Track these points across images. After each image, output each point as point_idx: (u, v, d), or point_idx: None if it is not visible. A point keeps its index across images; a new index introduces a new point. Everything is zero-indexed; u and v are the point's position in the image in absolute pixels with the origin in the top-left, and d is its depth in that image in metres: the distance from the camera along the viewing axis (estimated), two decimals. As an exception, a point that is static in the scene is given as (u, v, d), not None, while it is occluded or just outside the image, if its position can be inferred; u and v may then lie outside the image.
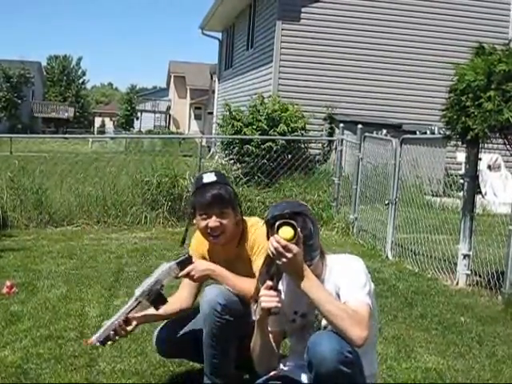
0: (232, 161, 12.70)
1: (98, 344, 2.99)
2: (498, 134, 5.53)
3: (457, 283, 6.07)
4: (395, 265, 6.90)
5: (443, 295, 5.67)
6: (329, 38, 14.33)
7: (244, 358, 3.08)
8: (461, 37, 13.74)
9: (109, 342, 3.00)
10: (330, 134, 13.58)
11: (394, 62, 14.46)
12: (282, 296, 2.60)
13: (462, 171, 6.69)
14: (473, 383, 3.72)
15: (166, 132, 47.34)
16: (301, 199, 8.84)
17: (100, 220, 9.03)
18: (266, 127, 12.75)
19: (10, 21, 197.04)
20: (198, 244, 3.36)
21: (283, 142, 12.10)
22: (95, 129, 66.82)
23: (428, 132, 11.07)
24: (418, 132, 11.43)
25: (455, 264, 6.21)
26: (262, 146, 12.03)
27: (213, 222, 3.12)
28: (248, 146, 12.16)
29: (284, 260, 2.41)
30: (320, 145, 13.96)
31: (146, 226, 8.95)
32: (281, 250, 2.39)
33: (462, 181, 6.21)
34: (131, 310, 2.99)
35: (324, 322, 2.62)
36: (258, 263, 3.08)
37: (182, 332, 3.30)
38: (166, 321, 3.32)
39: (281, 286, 2.59)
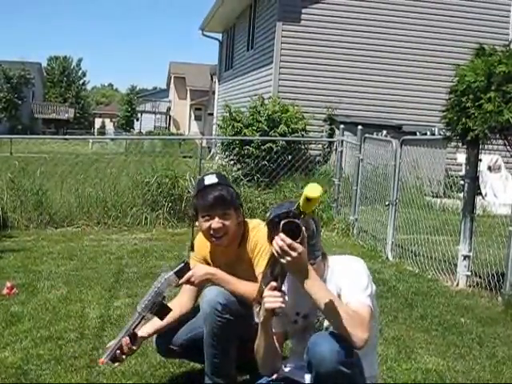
0: (232, 162, 12.70)
1: (109, 363, 3.00)
2: (498, 135, 5.53)
3: (457, 284, 6.06)
4: (395, 266, 6.90)
5: (443, 296, 5.67)
6: (329, 39, 14.33)
7: (245, 359, 3.09)
8: (461, 38, 13.75)
9: (116, 363, 3.01)
10: (330, 135, 13.57)
11: (395, 63, 14.46)
12: (286, 298, 2.60)
13: (463, 172, 6.70)
14: (473, 384, 3.72)
15: (166, 133, 47.35)
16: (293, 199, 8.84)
17: (100, 221, 9.03)
18: (266, 128, 12.76)
19: (11, 21, 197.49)
20: (200, 246, 3.36)
21: (283, 142, 12.10)
22: (95, 130, 66.87)
23: (428, 133, 11.07)
24: (418, 133, 11.43)
25: (455, 265, 6.21)
26: (263, 147, 12.04)
27: (215, 223, 3.12)
28: (248, 147, 12.17)
29: (289, 259, 2.41)
30: (320, 146, 13.96)
31: (146, 227, 8.94)
32: (286, 248, 2.39)
33: (462, 182, 6.22)
34: (136, 326, 2.99)
35: (326, 323, 2.62)
36: (259, 266, 3.08)
37: (181, 331, 3.30)
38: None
39: (283, 288, 2.58)
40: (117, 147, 27.66)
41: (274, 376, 2.78)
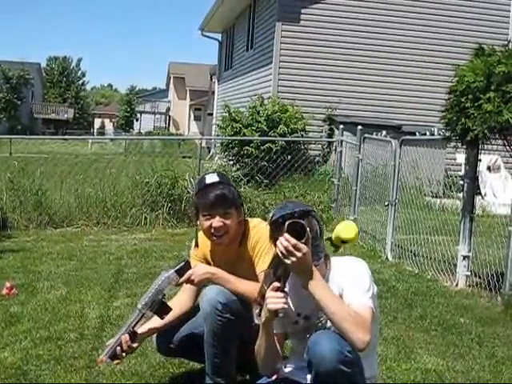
0: (232, 162, 12.71)
1: (108, 361, 2.98)
2: (497, 135, 5.53)
3: (456, 284, 6.06)
4: (395, 266, 6.90)
5: (443, 296, 5.67)
6: (328, 39, 14.34)
7: (245, 360, 3.09)
8: (460, 38, 13.76)
9: (116, 361, 2.99)
10: (330, 136, 13.59)
11: (394, 63, 14.47)
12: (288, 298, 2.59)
13: (462, 172, 6.69)
14: (472, 384, 3.72)
15: (165, 133, 47.37)
16: (300, 200, 8.84)
17: (100, 221, 9.03)
18: (265, 128, 12.78)
19: (10, 21, 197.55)
20: (200, 244, 3.36)
21: (283, 143, 12.11)
22: (95, 130, 66.88)
23: (428, 133, 11.06)
24: (417, 133, 11.42)
25: (455, 265, 6.21)
26: (262, 147, 12.05)
27: (216, 222, 3.12)
28: (247, 147, 12.17)
29: (294, 259, 2.41)
30: (320, 146, 13.97)
31: (145, 227, 8.94)
32: (291, 248, 2.39)
33: (461, 182, 6.21)
34: (136, 323, 2.99)
35: (329, 324, 2.62)
36: (260, 265, 3.09)
37: (182, 331, 3.30)
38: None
39: (285, 288, 2.58)
40: (116, 147, 27.71)
41: (274, 376, 2.78)
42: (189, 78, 50.84)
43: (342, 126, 10.12)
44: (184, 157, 12.82)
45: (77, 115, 61.99)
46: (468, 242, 6.01)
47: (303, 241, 2.41)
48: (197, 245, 3.37)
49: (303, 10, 14.32)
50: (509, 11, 14.52)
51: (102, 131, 66.91)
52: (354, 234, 2.32)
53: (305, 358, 2.50)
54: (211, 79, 31.40)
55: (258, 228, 3.22)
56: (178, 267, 3.02)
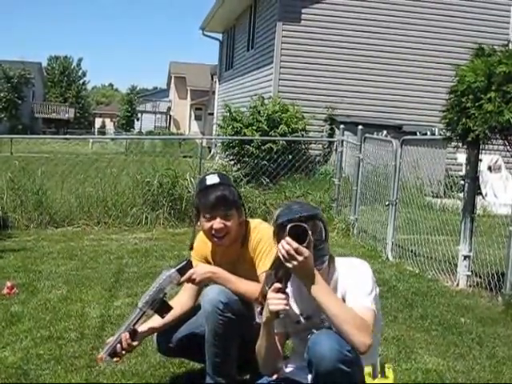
0: (232, 162, 12.71)
1: (108, 359, 2.97)
2: (498, 135, 5.53)
3: (457, 284, 6.06)
4: (395, 266, 6.90)
5: (443, 296, 5.67)
6: (329, 39, 14.34)
7: (246, 359, 3.09)
8: (461, 38, 13.74)
9: (116, 359, 2.98)
10: (331, 135, 13.58)
11: (395, 63, 14.47)
12: (289, 299, 2.59)
13: (463, 172, 6.70)
14: (473, 384, 3.72)
15: (166, 133, 47.39)
16: (302, 199, 8.84)
17: (100, 221, 9.02)
18: (266, 128, 12.77)
19: (11, 21, 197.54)
20: (201, 245, 3.36)
21: (283, 142, 12.11)
22: (95, 130, 66.88)
23: (428, 133, 11.07)
24: (418, 133, 11.44)
25: (455, 265, 6.21)
26: (263, 147, 12.05)
27: (217, 223, 3.12)
28: (248, 146, 12.17)
29: (295, 263, 2.41)
30: (320, 146, 13.97)
31: (146, 226, 8.94)
32: (292, 252, 2.38)
33: (462, 182, 6.22)
34: (137, 322, 2.99)
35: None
36: (261, 266, 3.10)
37: (182, 330, 3.30)
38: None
39: (287, 289, 2.58)
40: (117, 147, 27.70)
41: (275, 376, 2.78)
42: (190, 78, 50.88)
43: (342, 126, 10.12)
44: (185, 156, 12.84)
45: (78, 115, 61.99)
46: (469, 242, 6.01)
47: (305, 245, 2.41)
48: (191, 248, 3.36)
49: (304, 10, 14.32)
50: (509, 11, 14.52)
51: (102, 131, 66.92)
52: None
53: (305, 357, 2.50)
54: (212, 79, 31.42)
55: (259, 229, 3.22)
56: (179, 266, 3.02)
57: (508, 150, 5.80)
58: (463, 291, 5.89)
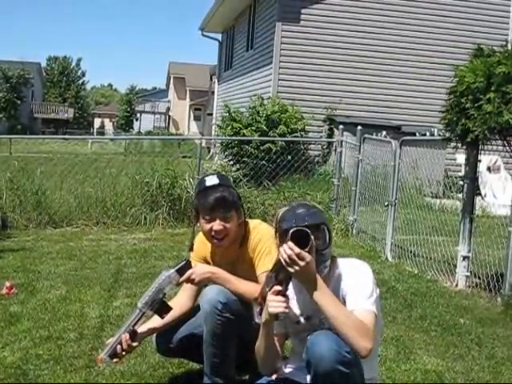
0: (231, 162, 12.71)
1: (108, 360, 2.96)
2: (497, 136, 5.54)
3: (456, 285, 6.07)
4: (395, 266, 6.91)
5: (443, 297, 5.67)
6: (328, 39, 14.34)
7: (245, 359, 3.09)
8: (461, 38, 13.76)
9: (115, 360, 2.97)
10: (330, 136, 13.59)
11: (394, 64, 14.48)
12: (289, 299, 2.59)
13: (462, 173, 6.70)
14: (472, 385, 3.72)
15: (165, 133, 47.38)
16: (300, 199, 8.84)
17: (99, 221, 9.02)
18: (265, 128, 12.78)
19: (10, 21, 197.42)
20: (200, 246, 3.36)
21: (283, 143, 12.10)
22: (95, 130, 66.89)
23: (428, 134, 11.08)
24: (417, 134, 11.45)
25: (455, 266, 6.21)
26: (262, 148, 12.04)
27: (217, 225, 3.12)
28: (247, 147, 12.17)
29: (297, 268, 2.40)
30: (319, 146, 13.97)
31: (145, 227, 8.94)
32: (294, 257, 2.38)
33: (461, 182, 6.22)
34: (136, 322, 2.99)
35: None
36: (260, 266, 3.10)
37: (181, 330, 3.30)
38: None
39: (288, 290, 2.57)
40: (116, 147, 27.71)
41: (274, 376, 2.78)
42: (189, 78, 50.88)
43: (341, 127, 10.12)
44: (184, 157, 12.82)
45: (77, 115, 62.04)
46: (468, 243, 6.01)
47: (307, 249, 2.40)
48: (191, 249, 3.36)
49: (303, 11, 14.33)
50: (508, 12, 14.54)
51: (101, 131, 66.90)
52: None
53: (303, 358, 2.50)
54: (211, 79, 31.42)
55: (259, 229, 3.22)
56: (178, 266, 3.02)
57: (507, 151, 5.81)
58: (462, 292, 5.90)
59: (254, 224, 3.28)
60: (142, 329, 3.09)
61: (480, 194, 8.10)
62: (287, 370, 2.79)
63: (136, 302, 3.09)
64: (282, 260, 2.41)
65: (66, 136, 37.15)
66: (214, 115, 22.49)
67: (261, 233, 3.19)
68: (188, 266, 3.05)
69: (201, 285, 3.20)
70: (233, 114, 13.47)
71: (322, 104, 14.09)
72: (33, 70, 52.26)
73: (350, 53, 14.35)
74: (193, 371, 3.62)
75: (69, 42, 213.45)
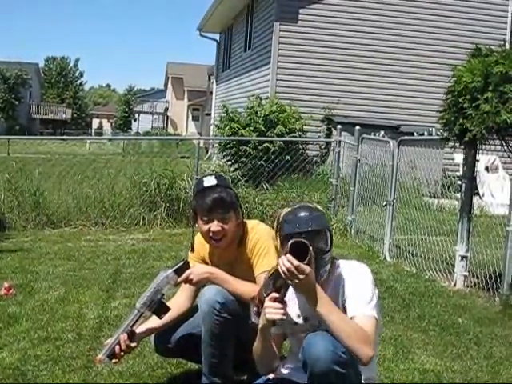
0: (229, 162, 12.71)
1: (106, 360, 2.96)
2: (495, 136, 5.54)
3: (454, 284, 6.07)
4: (393, 266, 6.91)
5: (441, 296, 5.68)
6: (326, 39, 14.35)
7: (242, 359, 3.09)
8: (458, 38, 13.78)
9: (114, 360, 2.97)
10: (328, 136, 13.59)
11: (392, 64, 14.49)
12: (287, 299, 2.58)
13: (460, 172, 6.69)
14: (470, 384, 3.73)
15: (163, 133, 47.34)
16: (299, 201, 8.84)
17: (98, 221, 9.01)
18: (263, 128, 12.78)
19: (8, 22, 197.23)
20: (198, 246, 3.36)
21: (281, 143, 12.10)
22: (93, 130, 66.85)
23: (426, 133, 11.08)
24: (415, 133, 11.44)
25: (453, 265, 6.22)
26: (260, 148, 12.04)
27: (215, 226, 3.12)
28: (245, 147, 12.17)
29: (296, 281, 2.41)
30: (318, 146, 13.97)
31: (143, 227, 8.93)
32: (293, 270, 2.37)
33: (459, 182, 6.22)
34: (135, 323, 2.99)
35: None
36: (258, 266, 3.11)
37: (180, 330, 3.30)
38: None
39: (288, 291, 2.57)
40: (114, 148, 27.69)
41: (272, 376, 2.78)
42: (187, 79, 50.83)
43: (339, 127, 10.12)
44: (182, 157, 12.84)
45: (75, 115, 61.97)
46: (466, 243, 6.01)
47: (306, 262, 2.39)
48: (192, 250, 3.36)
49: (301, 10, 14.33)
50: (507, 11, 14.56)
51: (99, 131, 66.84)
52: None
53: (300, 358, 2.50)
54: (209, 79, 31.38)
55: (257, 230, 3.22)
56: (176, 267, 3.02)
57: (505, 151, 5.81)
58: (460, 291, 5.90)
59: (252, 224, 3.28)
60: (140, 329, 3.09)
61: (478, 194, 8.08)
62: (285, 369, 2.80)
63: (134, 302, 3.09)
64: (281, 272, 2.40)
65: (64, 137, 37.18)
66: (212, 115, 22.49)
67: (259, 233, 3.20)
68: (186, 266, 3.05)
69: (199, 285, 3.21)
70: (231, 114, 13.47)
71: (320, 104, 14.09)
72: (31, 71, 52.17)
73: (348, 53, 14.36)
74: (191, 371, 3.62)
75: (67, 42, 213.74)
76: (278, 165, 10.76)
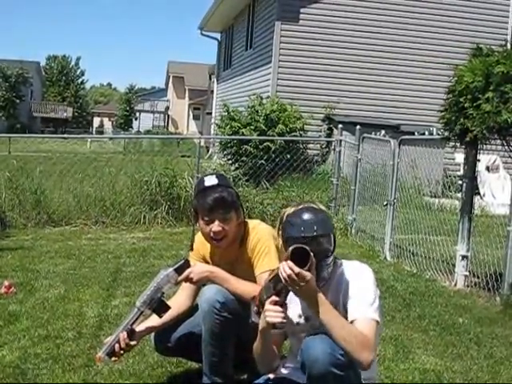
0: (230, 161, 12.71)
1: (106, 359, 2.96)
2: (496, 135, 5.54)
3: (455, 284, 6.07)
4: (393, 266, 6.91)
5: (441, 296, 5.67)
6: (327, 38, 14.34)
7: (243, 359, 3.09)
8: (459, 38, 13.76)
9: (114, 358, 2.97)
10: (329, 135, 13.59)
11: (393, 63, 14.48)
12: (288, 299, 2.58)
13: (461, 172, 6.70)
14: (471, 384, 3.72)
15: (164, 132, 47.34)
16: (299, 200, 8.84)
17: (98, 220, 9.01)
18: (264, 127, 12.78)
19: (9, 21, 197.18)
20: (199, 245, 3.36)
21: (282, 142, 12.10)
22: (94, 129, 66.83)
23: (426, 133, 11.08)
24: (416, 133, 11.43)
25: (453, 265, 6.21)
26: (260, 147, 12.04)
27: (216, 226, 3.11)
28: (246, 146, 12.17)
29: (297, 287, 2.40)
30: (318, 145, 13.97)
31: (144, 226, 8.93)
32: (294, 277, 2.36)
33: (460, 182, 6.22)
34: (135, 321, 2.99)
35: None
36: (259, 266, 3.11)
37: (180, 329, 3.30)
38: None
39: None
40: (115, 146, 27.70)
41: (272, 376, 2.78)
42: (188, 77, 50.83)
43: (340, 126, 10.12)
44: (183, 156, 12.82)
45: (76, 114, 61.98)
46: (466, 242, 6.01)
47: (306, 268, 2.38)
48: (192, 249, 3.36)
49: (302, 10, 14.33)
50: (508, 11, 14.54)
51: (100, 130, 66.82)
52: None
53: (298, 359, 2.50)
54: (210, 78, 31.37)
55: (258, 229, 3.22)
56: (176, 265, 3.02)
57: (506, 150, 5.81)
58: (461, 291, 5.90)
59: (254, 224, 3.28)
60: (140, 328, 3.09)
61: (479, 194, 8.09)
62: (285, 369, 2.80)
63: (135, 300, 3.09)
64: (282, 278, 2.39)
65: (65, 135, 37.11)
66: (213, 114, 22.49)
67: (260, 233, 3.19)
68: (186, 265, 3.05)
69: (199, 284, 3.20)
70: (232, 113, 13.47)
71: (321, 103, 14.09)
72: (32, 69, 52.20)
73: (349, 52, 14.35)
74: (191, 370, 3.62)
75: (68, 41, 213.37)
76: (279, 164, 10.75)
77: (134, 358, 3.77)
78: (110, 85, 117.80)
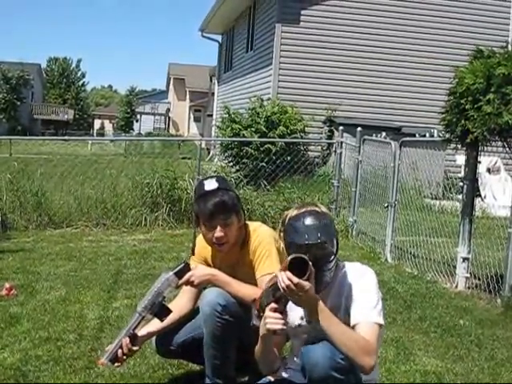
0: (231, 163, 12.71)
1: (109, 364, 2.97)
2: (497, 137, 5.54)
3: (456, 286, 6.06)
4: (394, 267, 6.90)
5: (442, 298, 5.67)
6: (328, 40, 14.35)
7: (244, 361, 3.09)
8: (460, 40, 13.77)
9: (116, 364, 2.97)
10: (330, 137, 13.60)
11: (394, 65, 14.48)
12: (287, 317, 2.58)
13: (462, 174, 6.70)
14: (472, 386, 3.72)
15: (165, 134, 47.35)
16: (300, 201, 8.84)
17: (99, 222, 9.01)
18: (264, 129, 12.78)
19: (10, 23, 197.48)
20: (201, 248, 3.35)
21: (282, 144, 12.10)
22: (95, 131, 66.85)
23: (427, 135, 11.05)
24: (417, 135, 11.40)
25: (454, 267, 6.21)
26: (261, 149, 12.04)
27: (218, 232, 3.11)
28: (247, 148, 12.17)
29: (296, 297, 2.40)
30: (319, 147, 13.97)
31: (145, 228, 8.93)
32: (292, 287, 2.36)
33: (461, 184, 6.22)
34: (136, 326, 2.99)
35: None
36: (260, 268, 3.11)
37: (181, 332, 3.30)
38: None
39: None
40: (116, 148, 27.70)
41: (272, 378, 2.78)
42: (189, 80, 50.85)
43: (341, 128, 10.11)
44: (184, 158, 12.83)
45: (77, 116, 62.03)
46: (467, 244, 6.01)
47: (305, 277, 2.38)
48: (193, 253, 3.36)
49: (303, 12, 14.34)
50: (509, 13, 14.54)
51: (101, 132, 66.85)
52: None
53: (298, 362, 2.50)
54: (211, 80, 31.45)
55: (259, 232, 3.22)
56: (177, 269, 3.02)
57: (507, 152, 5.81)
58: (462, 293, 5.89)
59: (254, 226, 3.28)
60: (142, 332, 3.09)
61: (480, 196, 8.07)
62: (286, 371, 2.80)
63: (136, 303, 3.09)
64: (281, 288, 2.39)
65: (66, 137, 37.10)
66: (214, 116, 22.49)
67: (261, 235, 3.19)
68: (186, 268, 3.04)
69: (200, 287, 3.20)
70: (232, 115, 13.48)
71: (322, 105, 14.10)
72: (33, 71, 52.24)
73: (349, 54, 14.36)
74: (193, 372, 3.62)
75: (69, 43, 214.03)
76: (280, 166, 10.75)
77: (136, 360, 3.77)
78: (110, 87, 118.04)
